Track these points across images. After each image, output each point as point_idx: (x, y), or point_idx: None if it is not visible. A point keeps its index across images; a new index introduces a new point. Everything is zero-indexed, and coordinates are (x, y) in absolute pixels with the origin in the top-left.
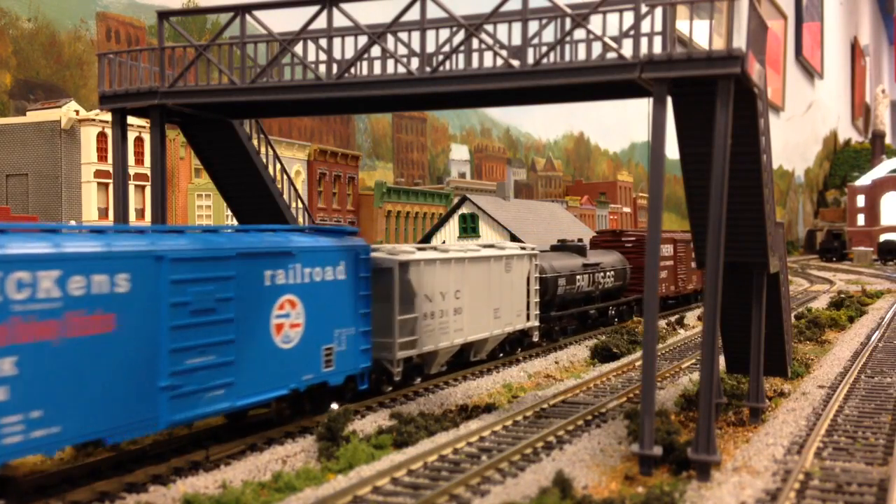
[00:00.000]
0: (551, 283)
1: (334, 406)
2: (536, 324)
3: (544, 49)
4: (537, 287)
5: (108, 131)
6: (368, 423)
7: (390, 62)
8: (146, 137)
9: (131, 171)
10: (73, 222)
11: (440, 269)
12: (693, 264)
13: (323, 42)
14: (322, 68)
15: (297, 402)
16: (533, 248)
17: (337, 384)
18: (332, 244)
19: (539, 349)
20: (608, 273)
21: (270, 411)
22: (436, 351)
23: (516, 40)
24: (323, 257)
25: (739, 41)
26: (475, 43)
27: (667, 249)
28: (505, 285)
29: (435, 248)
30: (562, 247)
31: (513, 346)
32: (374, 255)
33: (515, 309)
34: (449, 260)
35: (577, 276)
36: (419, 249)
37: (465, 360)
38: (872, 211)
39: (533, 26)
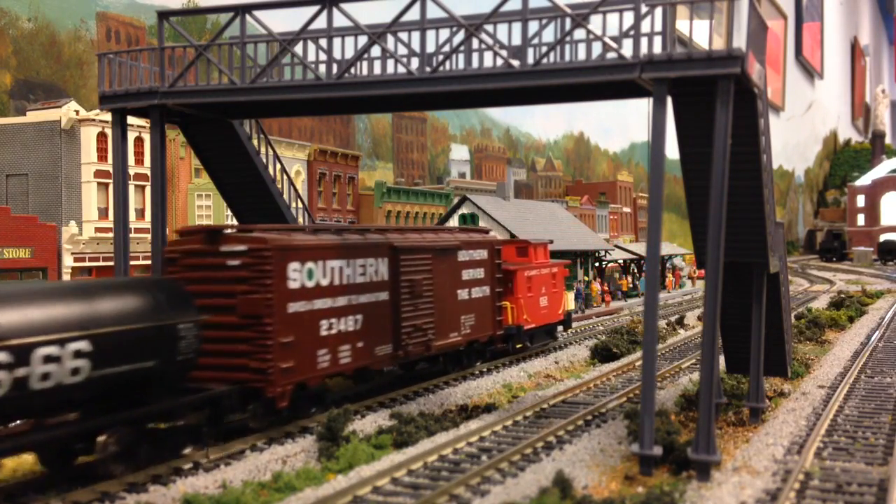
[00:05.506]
0: None
1: None
2: None
3: (544, 49)
4: None
5: (108, 131)
6: (368, 423)
7: (390, 62)
8: (146, 137)
9: (131, 171)
10: (73, 223)
11: None
12: (484, 291)
13: (323, 42)
14: (322, 68)
15: None
16: None
17: None
18: None
19: (539, 349)
20: (45, 351)
21: None
22: None
23: (516, 40)
24: None
25: (739, 41)
26: (475, 43)
27: (357, 266)
28: None
29: None
30: None
31: None
32: None
33: None
34: None
35: None
36: None
37: None
38: (872, 211)
39: (533, 26)
